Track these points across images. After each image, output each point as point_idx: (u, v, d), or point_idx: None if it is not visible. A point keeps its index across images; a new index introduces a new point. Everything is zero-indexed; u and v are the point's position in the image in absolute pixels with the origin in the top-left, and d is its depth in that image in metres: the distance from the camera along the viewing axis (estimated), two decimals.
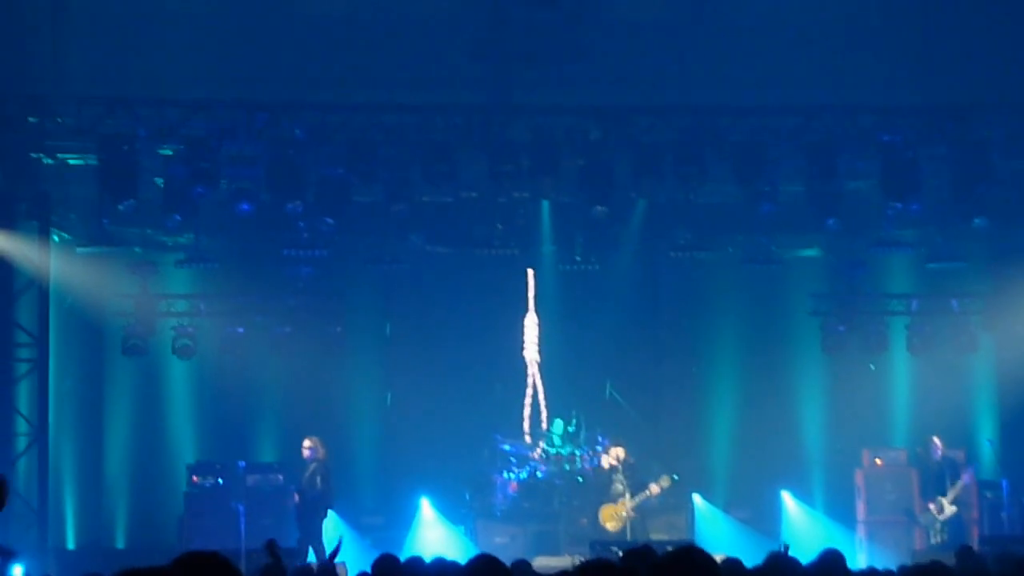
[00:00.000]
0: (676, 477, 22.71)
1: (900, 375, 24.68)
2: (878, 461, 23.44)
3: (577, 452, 23.35)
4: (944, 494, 22.06)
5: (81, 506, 23.53)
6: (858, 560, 20.79)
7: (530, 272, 24.08)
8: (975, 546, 18.03)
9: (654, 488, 22.21)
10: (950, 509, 22.03)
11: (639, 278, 24.11)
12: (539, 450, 23.35)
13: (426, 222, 23.10)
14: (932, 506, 22.09)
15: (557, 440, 23.40)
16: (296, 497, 21.17)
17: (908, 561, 14.35)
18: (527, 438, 23.73)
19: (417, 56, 22.49)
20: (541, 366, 24.07)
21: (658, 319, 24.41)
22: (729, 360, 24.89)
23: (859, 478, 23.43)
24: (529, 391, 23.95)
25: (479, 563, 8.20)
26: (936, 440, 22.48)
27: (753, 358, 24.76)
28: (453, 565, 10.81)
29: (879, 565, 13.72)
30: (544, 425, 23.87)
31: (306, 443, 21.42)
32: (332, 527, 22.03)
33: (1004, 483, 22.22)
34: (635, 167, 22.13)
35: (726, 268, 24.14)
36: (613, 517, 22.21)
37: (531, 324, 24.03)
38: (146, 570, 5.27)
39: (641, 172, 22.18)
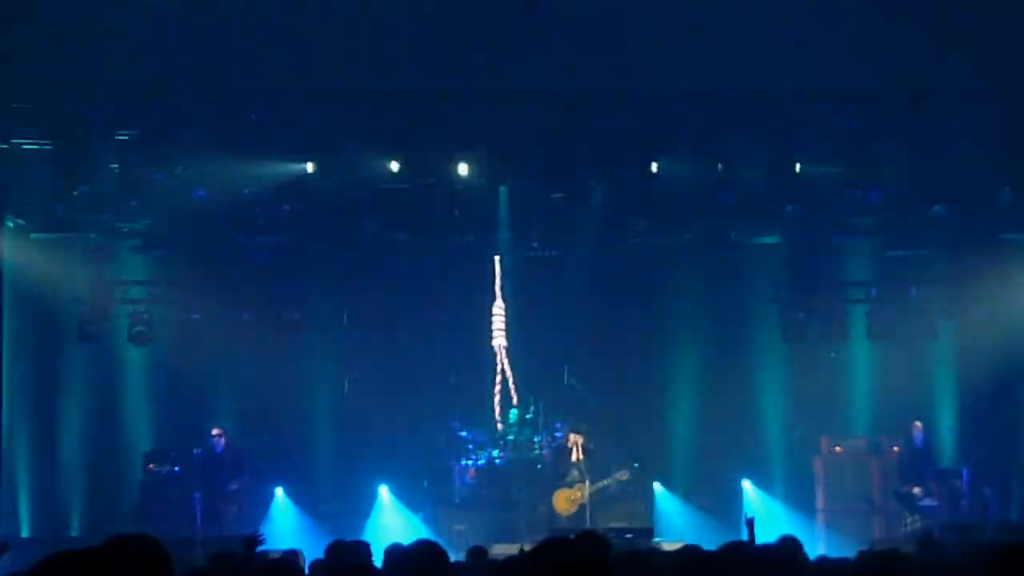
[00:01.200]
0: (636, 465, 22.72)
1: (860, 363, 24.61)
2: (837, 449, 23.44)
3: (535, 439, 23.28)
4: (924, 479, 22.01)
5: (35, 494, 23.23)
6: (817, 548, 20.68)
7: (496, 259, 23.90)
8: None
9: (611, 480, 22.21)
10: (928, 501, 22.06)
11: (598, 265, 23.90)
12: (498, 436, 23.28)
13: (383, 208, 22.92)
14: (917, 490, 22.10)
15: (515, 427, 23.30)
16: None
17: (866, 548, 14.21)
18: (499, 426, 23.55)
19: (374, 42, 22.25)
20: (508, 352, 23.92)
21: (617, 306, 24.19)
22: (689, 347, 24.71)
23: (818, 466, 23.44)
24: (498, 378, 23.76)
25: (420, 548, 8.33)
26: (918, 424, 22.57)
27: (713, 345, 24.55)
28: (403, 549, 10.83)
29: (838, 553, 13.66)
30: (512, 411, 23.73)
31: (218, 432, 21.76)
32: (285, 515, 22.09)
33: (964, 472, 22.19)
34: (593, 154, 22.04)
35: (685, 255, 24.02)
36: (567, 501, 22.09)
37: (498, 311, 23.86)
38: (76, 552, 5.14)
39: (599, 159, 22.11)
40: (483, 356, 23.77)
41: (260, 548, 13.02)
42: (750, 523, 12.36)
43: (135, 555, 5.59)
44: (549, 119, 21.99)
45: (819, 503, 23.07)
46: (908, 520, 21.93)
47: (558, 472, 22.53)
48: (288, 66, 22.11)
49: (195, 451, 22.47)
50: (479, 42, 22.49)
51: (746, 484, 23.90)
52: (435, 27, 22.52)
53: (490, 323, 23.95)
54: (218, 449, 22.44)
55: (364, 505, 23.22)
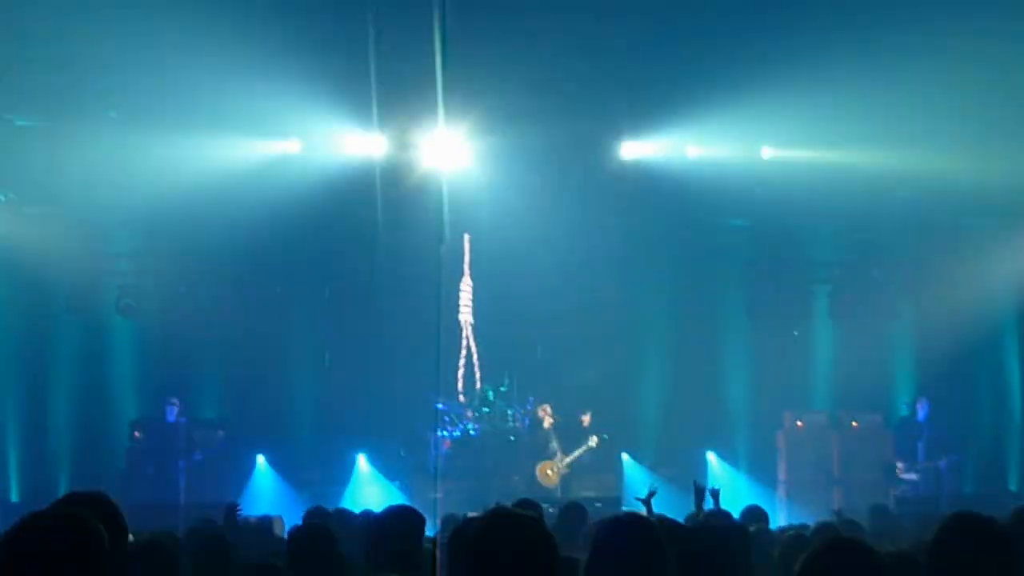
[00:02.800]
0: (606, 436, 23.08)
1: (822, 341, 25.01)
2: (799, 423, 23.79)
3: (509, 411, 23.64)
4: (915, 457, 22.49)
5: (24, 460, 23.54)
6: (778, 519, 21.09)
7: (466, 236, 24.06)
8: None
9: (584, 447, 22.67)
10: (911, 475, 22.47)
11: (570, 243, 24.15)
12: (471, 412, 23.60)
13: (363, 185, 23.08)
14: (900, 464, 22.52)
15: (490, 399, 23.67)
16: None
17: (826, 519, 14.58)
18: (461, 398, 23.88)
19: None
20: (475, 328, 24.13)
21: (589, 284, 24.47)
22: (658, 325, 25.12)
23: (780, 440, 23.81)
24: (463, 352, 24.00)
25: (395, 511, 8.32)
26: (922, 401, 23.02)
27: (681, 323, 24.92)
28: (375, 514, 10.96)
29: (798, 523, 13.95)
30: (478, 386, 24.01)
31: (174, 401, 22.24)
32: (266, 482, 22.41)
33: (919, 445, 22.61)
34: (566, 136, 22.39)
35: (654, 235, 24.35)
36: (548, 474, 22.59)
37: (466, 287, 24.04)
38: (40, 512, 5.39)
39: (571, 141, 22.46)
40: (460, 332, 24.01)
41: (240, 514, 13.42)
42: (714, 494, 12.58)
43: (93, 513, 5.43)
44: (522, 98, 22.16)
45: (781, 475, 23.44)
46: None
47: (536, 445, 22.99)
48: (273, 46, 22.22)
49: (180, 420, 22.85)
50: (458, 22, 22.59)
51: (711, 456, 24.32)
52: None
53: (458, 298, 24.19)
54: (170, 418, 22.80)
55: (343, 474, 23.55)
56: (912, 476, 22.45)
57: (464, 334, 23.96)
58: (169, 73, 21.06)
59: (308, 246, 24.11)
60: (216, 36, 20.40)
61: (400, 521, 8.12)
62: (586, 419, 23.07)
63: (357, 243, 23.91)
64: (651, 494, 12.05)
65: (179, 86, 21.20)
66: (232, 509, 12.68)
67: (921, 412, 22.97)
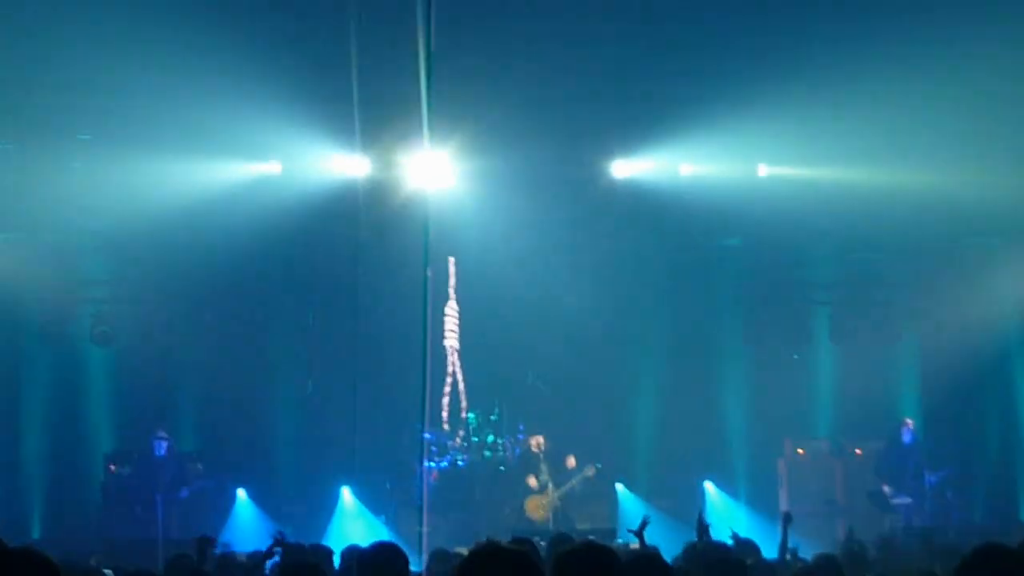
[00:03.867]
0: (599, 466, 22.73)
1: (823, 365, 24.74)
2: (800, 451, 23.58)
3: (499, 441, 23.27)
4: (903, 479, 22.13)
5: None
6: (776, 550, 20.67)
7: (451, 260, 23.72)
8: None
9: (578, 478, 22.40)
10: (902, 499, 22.15)
11: (561, 266, 23.86)
12: (459, 439, 23.24)
13: (345, 209, 22.82)
14: (887, 488, 22.20)
15: (477, 429, 23.29)
16: None
17: (830, 550, 14.24)
18: (445, 426, 23.43)
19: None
20: (461, 354, 23.77)
21: (580, 308, 24.13)
22: (652, 349, 24.81)
23: (781, 468, 23.59)
24: (449, 379, 23.62)
25: (378, 548, 8.30)
26: (909, 422, 22.61)
27: (676, 347, 24.67)
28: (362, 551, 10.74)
29: (800, 554, 13.64)
30: (464, 414, 23.59)
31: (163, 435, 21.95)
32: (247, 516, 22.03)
33: (925, 473, 22.29)
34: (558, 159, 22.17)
35: (649, 257, 24.01)
36: (539, 507, 22.23)
37: (451, 312, 23.67)
38: None
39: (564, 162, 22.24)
40: (445, 358, 23.69)
41: (219, 550, 12.97)
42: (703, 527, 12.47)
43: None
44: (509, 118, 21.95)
45: (782, 505, 23.09)
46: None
47: (523, 474, 22.62)
48: (253, 67, 21.91)
49: (158, 452, 22.42)
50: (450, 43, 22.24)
51: (708, 486, 23.92)
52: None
53: (443, 323, 23.83)
54: (158, 452, 22.25)
55: (327, 506, 23.10)
56: (905, 500, 22.06)
57: (450, 360, 23.56)
58: (146, 94, 20.87)
59: (289, 271, 24.00)
60: (194, 57, 20.21)
61: (383, 559, 8.11)
62: (571, 461, 22.66)
63: (339, 267, 23.56)
64: (643, 525, 12.26)
65: (156, 108, 20.98)
66: (204, 543, 12.19)
67: (906, 435, 22.60)
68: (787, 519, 13.08)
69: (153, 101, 21.01)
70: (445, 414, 23.51)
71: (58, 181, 21.30)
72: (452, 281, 23.57)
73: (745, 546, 12.34)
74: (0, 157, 21.50)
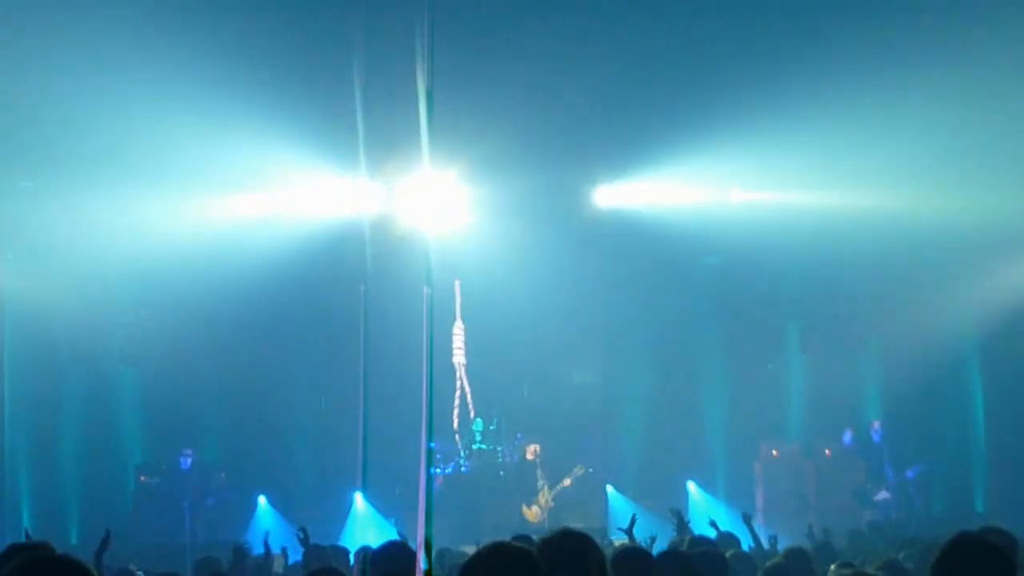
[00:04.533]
0: (591, 470, 23.23)
1: (794, 373, 25.21)
2: (774, 453, 24.01)
3: (498, 448, 23.84)
4: (881, 476, 22.72)
5: (36, 503, 23.57)
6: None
7: (456, 283, 24.14)
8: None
9: (571, 477, 22.90)
10: (883, 494, 22.66)
11: (552, 287, 24.26)
12: (462, 447, 23.75)
13: (354, 233, 23.28)
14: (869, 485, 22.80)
15: (479, 438, 23.84)
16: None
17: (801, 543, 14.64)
18: (457, 438, 23.96)
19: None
20: (467, 370, 24.18)
21: (571, 325, 24.59)
22: (638, 363, 25.37)
23: (757, 469, 24.06)
24: (457, 394, 24.03)
25: (390, 547, 8.55)
26: (875, 424, 23.26)
27: (660, 359, 25.29)
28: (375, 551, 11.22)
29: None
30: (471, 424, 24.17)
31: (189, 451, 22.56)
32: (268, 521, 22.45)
33: (888, 472, 22.79)
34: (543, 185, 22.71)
35: (632, 277, 24.56)
36: (532, 513, 22.91)
37: (459, 331, 24.09)
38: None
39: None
40: (450, 373, 24.07)
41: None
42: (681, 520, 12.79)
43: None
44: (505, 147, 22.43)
45: (758, 503, 23.51)
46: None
47: (521, 479, 23.22)
48: (265, 106, 22.28)
49: (184, 462, 22.97)
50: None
51: (691, 486, 24.43)
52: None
53: (451, 342, 24.24)
54: (184, 466, 22.98)
55: (341, 511, 23.44)
56: (885, 495, 22.57)
57: (458, 375, 23.97)
58: (169, 132, 21.15)
59: (302, 295, 24.21)
60: (211, 99, 20.58)
61: (394, 554, 8.31)
62: (578, 471, 23.18)
63: (348, 292, 23.91)
64: (632, 523, 12.25)
65: (177, 145, 21.31)
66: (241, 549, 12.90)
67: (875, 435, 23.19)
68: (746, 518, 13.37)
69: (176, 138, 21.39)
70: (456, 424, 24.02)
71: (87, 212, 21.70)
72: (458, 302, 24.01)
73: (726, 538, 12.35)
74: (29, 194, 22.06)
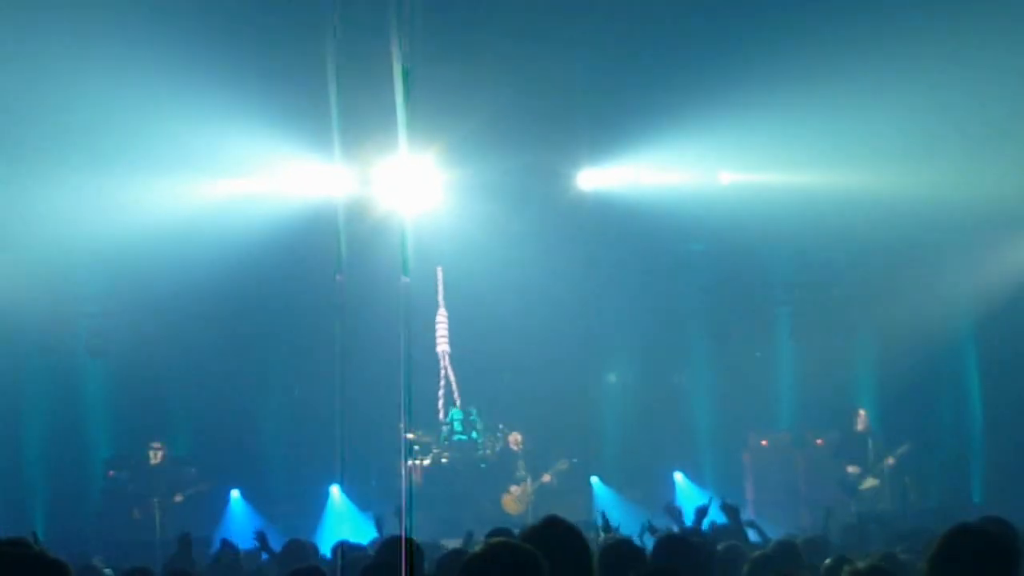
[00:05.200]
0: (575, 460, 22.94)
1: (785, 361, 24.89)
2: (764, 443, 23.74)
3: (478, 439, 23.48)
4: (865, 464, 22.37)
5: (1, 499, 23.11)
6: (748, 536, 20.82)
7: (439, 269, 23.89)
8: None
9: (553, 471, 22.57)
10: (871, 482, 22.31)
11: (535, 272, 24.02)
12: (443, 437, 23.42)
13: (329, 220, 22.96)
14: (852, 468, 22.40)
15: (459, 428, 23.49)
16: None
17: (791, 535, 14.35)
18: (444, 428, 23.60)
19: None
20: (452, 357, 23.97)
21: (554, 311, 24.27)
22: (623, 349, 25.05)
23: (746, 460, 23.79)
24: (441, 383, 23.79)
25: (390, 544, 8.70)
26: (862, 412, 22.86)
27: (646, 347, 24.92)
28: (356, 547, 10.92)
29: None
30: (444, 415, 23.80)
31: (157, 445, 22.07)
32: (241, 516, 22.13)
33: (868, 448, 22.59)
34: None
35: (618, 263, 24.26)
36: (515, 501, 22.37)
37: (442, 319, 23.85)
38: None
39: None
40: (428, 361, 23.79)
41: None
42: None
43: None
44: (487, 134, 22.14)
45: (748, 494, 23.29)
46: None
47: (502, 470, 22.84)
48: (234, 88, 21.92)
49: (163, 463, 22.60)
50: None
51: (678, 477, 24.10)
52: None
53: (435, 331, 23.98)
54: (153, 461, 22.50)
55: (317, 505, 23.17)
56: (873, 482, 22.25)
57: (442, 364, 23.69)
58: (136, 116, 20.87)
59: (274, 283, 23.80)
60: (178, 77, 20.27)
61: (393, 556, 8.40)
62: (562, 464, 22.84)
63: (322, 279, 23.61)
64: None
65: (145, 130, 21.05)
66: (185, 541, 12.60)
67: (859, 423, 22.89)
68: (730, 510, 13.07)
69: (142, 121, 21.10)
70: (442, 415, 23.67)
71: (50, 200, 21.27)
72: (440, 289, 23.71)
73: (721, 532, 12.40)
74: None
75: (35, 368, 23.46)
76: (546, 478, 22.74)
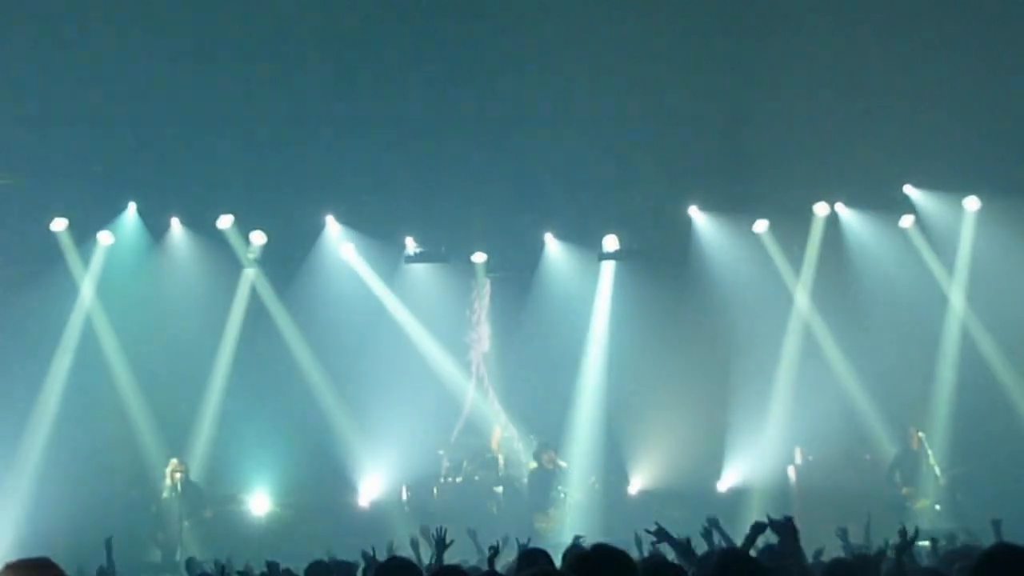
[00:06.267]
0: (611, 477, 23.01)
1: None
2: (810, 458, 23.36)
3: (513, 457, 23.35)
4: (915, 481, 22.22)
5: (26, 521, 22.55)
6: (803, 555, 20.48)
7: (487, 282, 23.83)
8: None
9: (578, 493, 22.68)
10: (923, 502, 22.19)
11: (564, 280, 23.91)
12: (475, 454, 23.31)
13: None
14: (905, 490, 22.29)
15: (493, 445, 23.41)
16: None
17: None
18: (493, 444, 23.52)
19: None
20: (489, 373, 23.84)
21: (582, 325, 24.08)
22: (666, 360, 24.48)
23: (792, 475, 23.43)
24: (470, 395, 23.44)
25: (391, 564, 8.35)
26: (913, 429, 22.60)
27: (688, 358, 24.29)
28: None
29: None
30: (497, 426, 23.84)
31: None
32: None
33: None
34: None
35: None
36: (546, 519, 22.08)
37: (484, 333, 23.59)
38: None
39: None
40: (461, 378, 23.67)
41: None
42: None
43: None
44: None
45: (794, 511, 22.79)
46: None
47: (535, 488, 22.61)
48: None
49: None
50: (452, 66, 22.09)
51: (721, 491, 23.85)
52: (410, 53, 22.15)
53: (469, 343, 23.63)
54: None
55: (345, 520, 22.79)
56: (925, 501, 22.01)
57: (478, 375, 23.41)
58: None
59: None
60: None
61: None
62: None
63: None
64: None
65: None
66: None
67: (914, 441, 22.60)
68: (713, 523, 12.54)
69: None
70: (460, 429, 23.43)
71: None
72: (486, 302, 24.02)
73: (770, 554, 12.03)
74: (9, 192, 21.96)
75: (58, 383, 23.04)
76: (576, 495, 22.44)
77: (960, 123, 21.55)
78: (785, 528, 11.63)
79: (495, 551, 10.50)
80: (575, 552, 8.21)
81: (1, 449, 22.48)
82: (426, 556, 12.22)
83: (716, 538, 11.98)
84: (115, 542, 21.07)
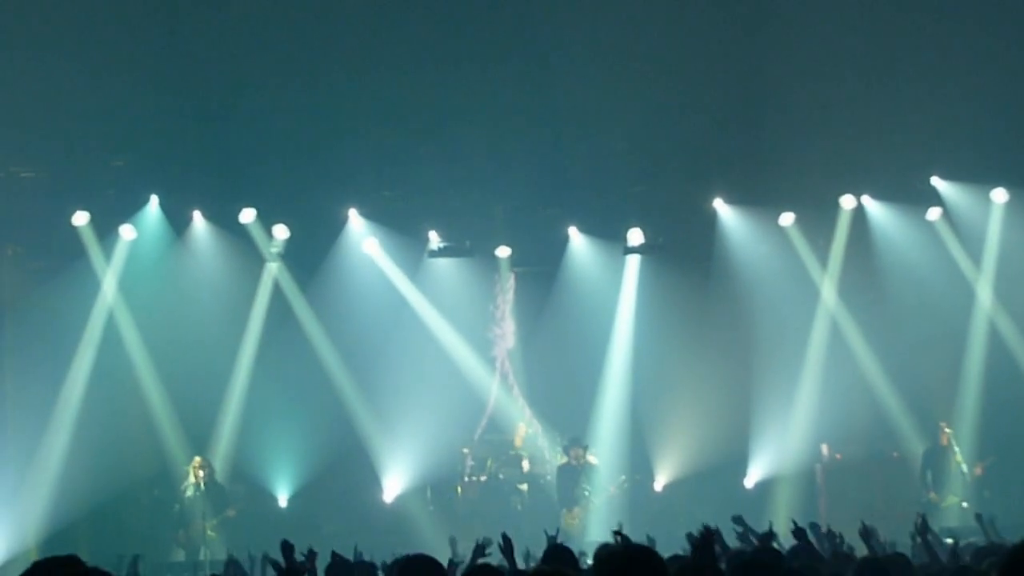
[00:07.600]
0: (639, 477, 22.75)
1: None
2: (837, 456, 23.31)
3: (539, 454, 23.27)
4: (944, 480, 22.20)
5: (48, 519, 22.66)
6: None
7: (511, 277, 23.83)
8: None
9: (615, 487, 22.34)
10: (952, 499, 22.08)
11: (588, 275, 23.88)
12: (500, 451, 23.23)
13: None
14: (933, 495, 22.13)
15: (517, 442, 23.36)
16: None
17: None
18: (517, 441, 23.48)
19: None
20: (514, 370, 23.81)
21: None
22: (692, 358, 24.46)
23: (819, 474, 23.30)
24: (494, 392, 23.52)
25: (414, 560, 8.20)
26: (943, 425, 22.56)
27: (712, 357, 24.25)
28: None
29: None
30: (522, 423, 23.81)
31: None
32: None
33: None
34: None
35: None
36: (573, 517, 21.98)
37: (509, 328, 23.64)
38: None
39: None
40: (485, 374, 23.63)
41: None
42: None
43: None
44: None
45: (820, 509, 22.73)
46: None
47: (562, 487, 22.47)
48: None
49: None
50: (473, 58, 22.11)
51: (747, 488, 23.81)
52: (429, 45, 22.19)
53: (493, 338, 23.71)
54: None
55: (369, 518, 22.87)
56: (954, 499, 22.02)
57: (503, 371, 23.41)
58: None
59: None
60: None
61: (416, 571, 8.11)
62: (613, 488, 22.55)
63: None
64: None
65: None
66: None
67: (943, 438, 22.56)
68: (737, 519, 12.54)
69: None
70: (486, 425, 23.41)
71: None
72: (510, 296, 23.75)
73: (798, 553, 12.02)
74: (35, 185, 21.97)
75: (77, 379, 23.04)
76: (611, 490, 22.29)
77: (987, 114, 21.35)
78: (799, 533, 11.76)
79: (481, 549, 10.64)
80: (606, 550, 8.12)
81: (24, 444, 22.41)
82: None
83: (750, 536, 12.02)
84: (137, 541, 21.60)
